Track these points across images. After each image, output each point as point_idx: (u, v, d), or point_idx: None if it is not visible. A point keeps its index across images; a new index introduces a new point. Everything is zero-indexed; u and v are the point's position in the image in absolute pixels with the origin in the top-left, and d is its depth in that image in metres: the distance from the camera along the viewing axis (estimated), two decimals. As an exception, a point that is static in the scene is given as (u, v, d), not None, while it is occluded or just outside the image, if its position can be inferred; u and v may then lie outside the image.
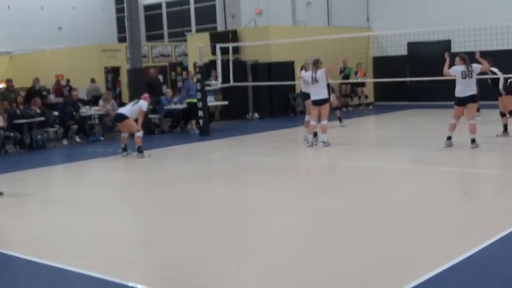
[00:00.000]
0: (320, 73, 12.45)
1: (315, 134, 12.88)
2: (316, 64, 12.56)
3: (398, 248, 5.86)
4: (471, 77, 11.20)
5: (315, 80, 12.49)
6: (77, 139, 16.08)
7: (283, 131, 16.52)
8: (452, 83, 11.62)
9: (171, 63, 24.78)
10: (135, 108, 12.76)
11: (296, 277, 5.20)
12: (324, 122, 12.59)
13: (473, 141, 11.25)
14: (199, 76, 16.19)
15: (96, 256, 6.15)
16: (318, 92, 12.50)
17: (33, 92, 17.72)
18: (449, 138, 11.50)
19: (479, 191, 8.33)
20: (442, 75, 14.21)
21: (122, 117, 12.74)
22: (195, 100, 16.33)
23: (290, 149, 13.32)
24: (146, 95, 13.39)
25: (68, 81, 21.73)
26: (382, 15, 22.87)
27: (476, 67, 11.31)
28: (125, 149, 12.91)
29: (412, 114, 19.40)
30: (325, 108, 12.59)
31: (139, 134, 12.63)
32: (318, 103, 12.55)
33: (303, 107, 20.56)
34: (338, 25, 23.57)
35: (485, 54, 14.85)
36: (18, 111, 15.27)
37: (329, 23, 24.54)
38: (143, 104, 12.81)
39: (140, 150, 12.58)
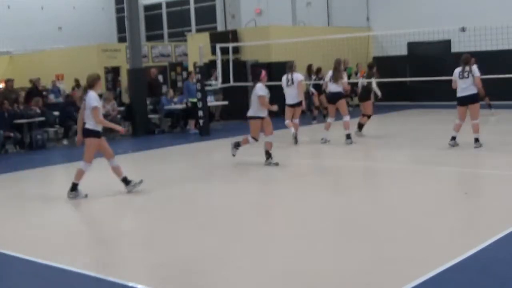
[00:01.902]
0: (296, 76, 13.13)
1: (348, 136, 12.98)
2: (291, 67, 13.26)
3: (398, 248, 5.86)
4: (467, 77, 11.15)
5: (291, 82, 13.10)
6: (77, 139, 16.08)
7: (283, 131, 16.49)
8: (450, 84, 11.61)
9: (171, 63, 24.77)
10: (253, 100, 10.50)
11: (296, 277, 5.20)
12: (296, 120, 13.42)
13: (476, 140, 11.24)
14: (199, 76, 16.20)
15: (96, 256, 6.15)
16: (293, 96, 13.15)
17: (34, 92, 17.71)
18: (453, 138, 11.47)
19: (479, 191, 8.33)
20: (442, 75, 14.21)
21: (249, 118, 10.77)
22: (195, 100, 16.37)
23: (290, 149, 13.32)
24: (263, 73, 10.76)
25: (77, 81, 21.66)
26: (382, 15, 22.87)
27: (475, 70, 11.17)
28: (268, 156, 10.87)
29: (412, 114, 19.39)
30: (299, 110, 13.32)
31: (268, 139, 10.59)
32: (293, 106, 13.24)
33: (306, 107, 20.67)
34: (338, 25, 23.56)
35: (485, 54, 14.88)
36: (18, 111, 15.27)
37: (329, 23, 24.53)
38: (257, 88, 10.50)
39: (269, 160, 10.60)
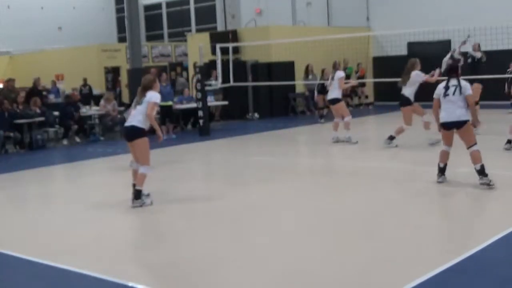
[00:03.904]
0: (337, 74, 13.08)
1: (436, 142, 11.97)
2: (335, 66, 13.31)
3: (398, 248, 5.86)
4: None
5: (332, 80, 13.20)
6: (77, 139, 16.08)
7: (283, 131, 16.52)
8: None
9: (171, 63, 24.77)
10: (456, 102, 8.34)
11: (296, 277, 5.20)
12: (346, 119, 13.07)
13: (508, 141, 10.97)
14: (199, 76, 16.19)
15: (96, 256, 6.15)
16: (330, 92, 13.19)
17: (34, 92, 17.70)
18: (508, 141, 10.98)
19: (479, 191, 8.32)
20: (442, 75, 14.07)
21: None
22: (169, 103, 16.10)
23: (290, 149, 13.33)
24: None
25: (85, 80, 21.62)
26: (382, 15, 22.87)
27: None
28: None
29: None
30: (335, 108, 13.13)
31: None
32: (329, 102, 13.32)
33: (304, 107, 20.71)
34: (338, 25, 23.56)
35: (485, 54, 14.86)
36: (18, 111, 15.27)
37: (329, 23, 24.54)
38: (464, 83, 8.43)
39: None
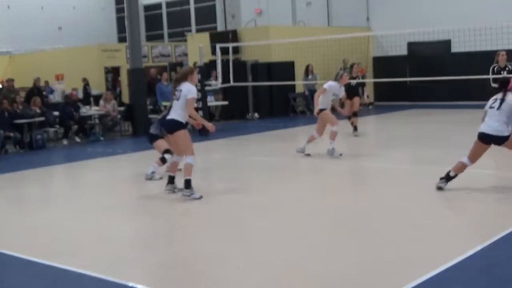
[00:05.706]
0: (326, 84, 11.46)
1: None
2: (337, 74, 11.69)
3: (398, 248, 5.86)
4: None
5: None
6: (77, 139, 16.09)
7: (283, 131, 16.52)
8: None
9: (171, 63, 24.77)
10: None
11: (296, 277, 5.21)
12: (332, 128, 11.38)
13: None
14: (199, 76, 16.17)
15: (96, 256, 6.15)
16: None
17: (34, 92, 17.70)
18: None
19: (479, 191, 8.32)
20: (442, 75, 14.04)
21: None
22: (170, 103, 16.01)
23: (290, 149, 13.31)
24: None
25: (85, 80, 21.60)
26: (382, 15, 22.87)
27: None
28: None
29: (412, 114, 19.39)
30: (319, 118, 11.51)
31: None
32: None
33: (304, 106, 20.71)
34: (338, 25, 23.57)
35: (485, 54, 14.87)
36: (18, 111, 15.27)
37: (329, 23, 24.55)
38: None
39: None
